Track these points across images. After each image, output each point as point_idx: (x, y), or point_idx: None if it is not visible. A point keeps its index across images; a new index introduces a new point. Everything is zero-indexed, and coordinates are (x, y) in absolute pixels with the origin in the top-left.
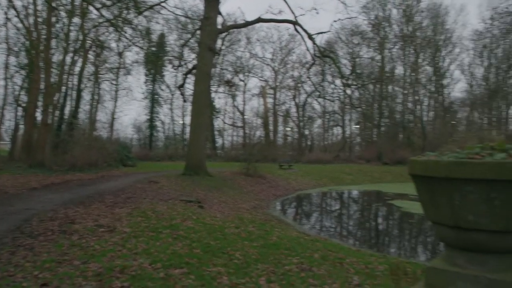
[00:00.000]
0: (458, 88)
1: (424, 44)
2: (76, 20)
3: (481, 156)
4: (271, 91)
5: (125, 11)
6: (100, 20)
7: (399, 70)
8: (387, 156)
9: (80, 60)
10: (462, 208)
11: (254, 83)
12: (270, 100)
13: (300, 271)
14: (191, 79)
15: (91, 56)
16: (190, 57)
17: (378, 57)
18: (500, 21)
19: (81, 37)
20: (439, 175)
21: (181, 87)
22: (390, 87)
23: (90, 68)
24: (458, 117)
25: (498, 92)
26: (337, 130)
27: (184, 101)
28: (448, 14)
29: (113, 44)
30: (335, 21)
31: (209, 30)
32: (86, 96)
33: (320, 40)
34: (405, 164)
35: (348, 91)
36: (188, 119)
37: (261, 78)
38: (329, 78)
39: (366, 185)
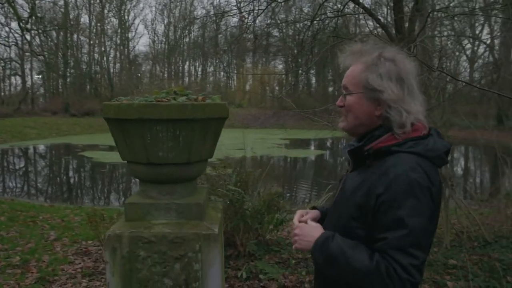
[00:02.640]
0: (142, 42)
1: None
2: None
3: (167, 100)
4: None
5: None
6: None
7: (85, 19)
8: (75, 108)
9: None
10: (153, 145)
11: None
12: None
13: None
14: None
15: None
16: None
17: (61, 3)
18: None
19: None
20: (132, 117)
21: None
22: (75, 36)
23: None
24: (142, 70)
25: (176, 48)
26: (16, 80)
27: None
28: None
29: None
30: None
31: None
32: None
33: None
34: (94, 116)
35: (28, 37)
36: None
37: None
38: (2, 19)
39: (54, 139)
